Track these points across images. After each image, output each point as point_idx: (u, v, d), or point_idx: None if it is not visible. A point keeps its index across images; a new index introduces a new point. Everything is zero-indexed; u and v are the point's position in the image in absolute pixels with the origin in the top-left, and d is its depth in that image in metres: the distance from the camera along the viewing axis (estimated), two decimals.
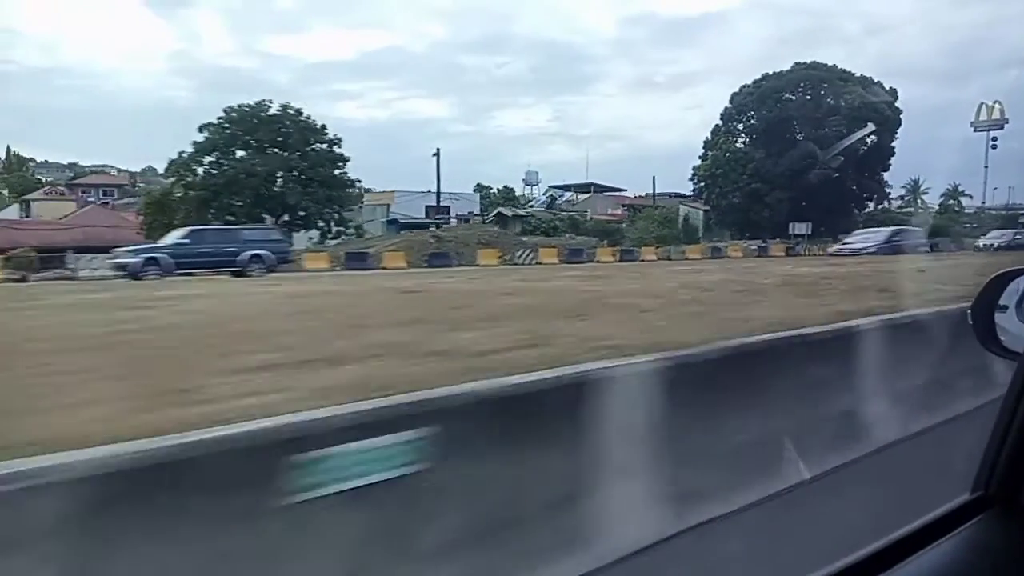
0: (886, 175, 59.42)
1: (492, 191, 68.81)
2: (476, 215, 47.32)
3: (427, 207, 46.32)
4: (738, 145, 53.53)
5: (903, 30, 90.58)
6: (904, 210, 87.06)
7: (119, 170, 70.25)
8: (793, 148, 51.84)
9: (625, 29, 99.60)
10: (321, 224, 31.76)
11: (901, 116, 53.15)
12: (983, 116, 76.73)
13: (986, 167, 78.72)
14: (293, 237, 33.18)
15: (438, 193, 44.10)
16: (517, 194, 66.61)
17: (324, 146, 32.15)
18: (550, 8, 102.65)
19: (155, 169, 61.31)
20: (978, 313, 1.18)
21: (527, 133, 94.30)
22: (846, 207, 56.04)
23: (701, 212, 57.04)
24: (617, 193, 67.99)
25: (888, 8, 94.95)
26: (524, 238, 36.64)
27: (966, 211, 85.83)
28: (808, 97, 50.93)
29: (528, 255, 30.12)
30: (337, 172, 32.43)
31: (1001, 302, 1.19)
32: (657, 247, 43.61)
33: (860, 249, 33.55)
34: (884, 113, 49.63)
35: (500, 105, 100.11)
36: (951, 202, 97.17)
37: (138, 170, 68.23)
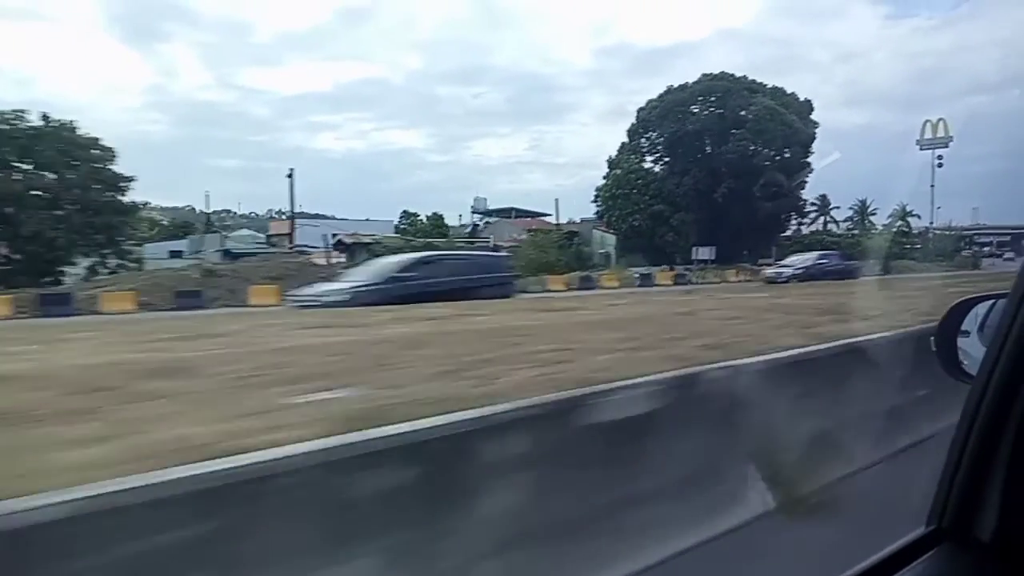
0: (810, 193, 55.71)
1: (420, 219, 64.07)
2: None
3: (334, 235, 40.81)
4: (646, 164, 48.95)
5: (871, 57, 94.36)
6: (852, 231, 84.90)
7: None
8: (698, 165, 47.36)
9: (600, 60, 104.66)
10: (77, 257, 26.31)
11: (816, 131, 49.05)
12: (928, 134, 73.80)
13: (932, 186, 75.63)
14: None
15: (292, 217, 38.83)
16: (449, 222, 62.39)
17: (99, 165, 26.83)
18: (526, 40, 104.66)
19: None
20: (941, 339, 1.19)
21: (504, 162, 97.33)
22: (763, 228, 51.58)
23: (614, 237, 52.40)
24: (534, 218, 63.21)
25: (856, 36, 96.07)
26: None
27: (914, 232, 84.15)
28: (711, 110, 46.57)
29: None
30: (113, 195, 27.19)
31: (964, 328, 1.19)
32: (545, 274, 38.73)
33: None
34: (793, 126, 45.31)
35: (477, 135, 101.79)
36: (899, 223, 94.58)
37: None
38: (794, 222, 55.61)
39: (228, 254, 36.92)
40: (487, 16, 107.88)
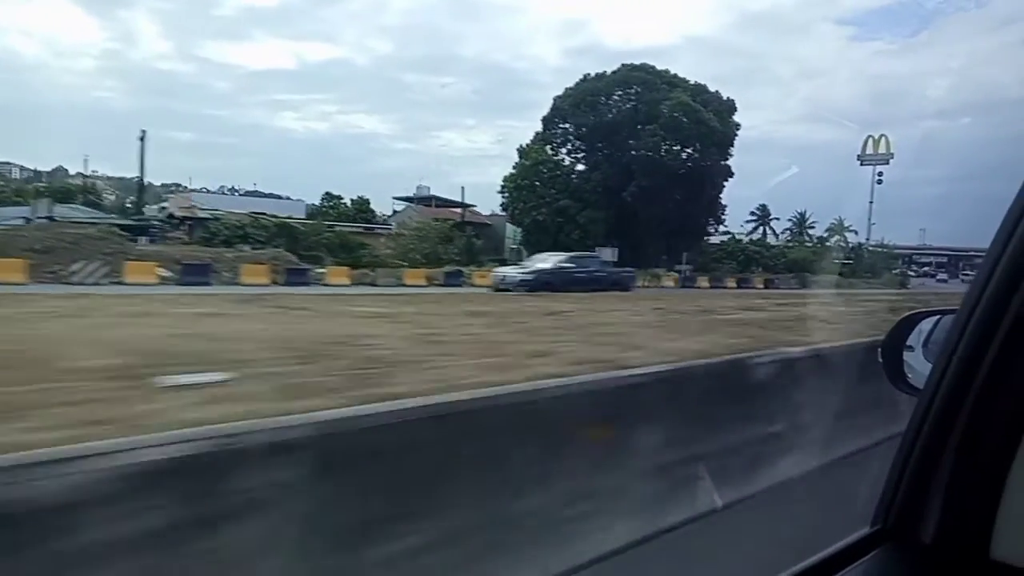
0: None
1: (344, 201, 59.64)
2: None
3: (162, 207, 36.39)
4: (559, 156, 45.50)
5: (833, 76, 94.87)
6: (789, 243, 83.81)
7: (23, 168, 63.70)
8: (609, 160, 44.16)
9: (570, 59, 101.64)
10: None
11: (737, 133, 46.33)
12: (869, 150, 72.54)
13: (871, 202, 74.55)
14: None
15: (141, 181, 34.12)
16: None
17: None
18: (496, 33, 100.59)
19: (66, 170, 59.67)
20: (887, 352, 1.23)
21: (469, 154, 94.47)
22: (680, 232, 48.81)
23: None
24: (449, 207, 59.33)
25: (819, 54, 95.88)
26: (191, 247, 27.11)
27: (850, 247, 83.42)
28: (627, 103, 43.37)
29: (94, 271, 20.39)
30: None
31: (909, 342, 1.24)
32: (431, 267, 34.97)
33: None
34: (709, 124, 42.41)
35: (443, 125, 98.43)
36: (836, 237, 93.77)
37: (48, 170, 63.96)
38: (721, 228, 53.11)
39: (52, 220, 32.20)
40: (459, 5, 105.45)
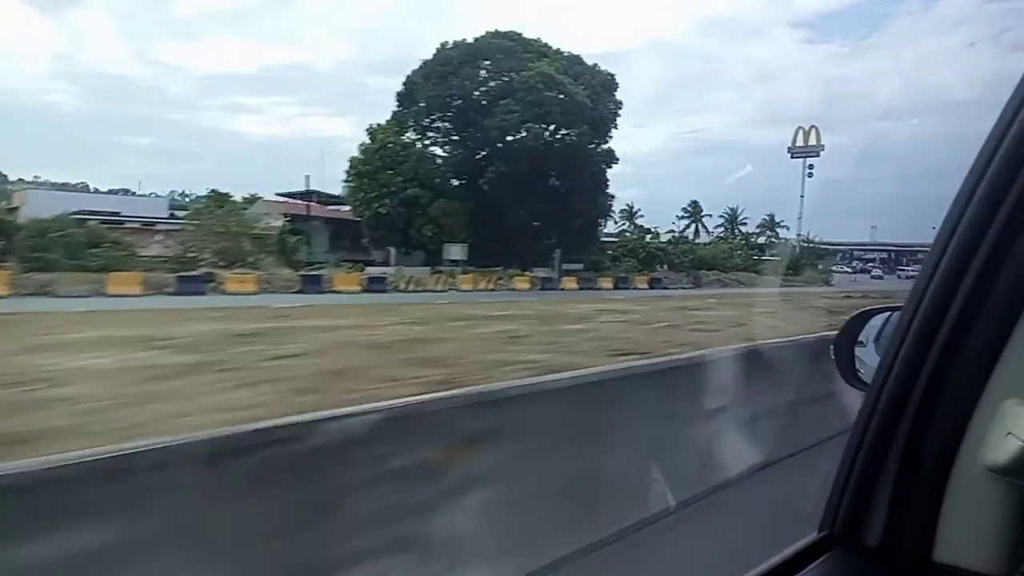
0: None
1: (233, 199, 52.39)
2: None
3: None
4: (413, 139, 39.04)
5: (788, 78, 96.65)
6: (715, 240, 79.29)
7: None
8: (464, 143, 37.96)
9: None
10: None
11: (619, 112, 40.53)
12: (799, 141, 68.12)
13: (801, 196, 70.68)
14: None
15: None
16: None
17: None
18: (456, 36, 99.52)
19: (5, 176, 55.52)
20: (840, 348, 1.24)
21: None
22: (563, 228, 42.94)
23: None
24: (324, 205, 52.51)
25: (774, 57, 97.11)
26: None
27: (780, 242, 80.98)
28: (486, 76, 37.16)
29: None
30: None
31: (860, 338, 1.24)
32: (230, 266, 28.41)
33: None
34: (576, 99, 36.45)
35: None
36: (769, 233, 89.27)
37: None
38: (616, 221, 47.25)
39: None
40: (419, 8, 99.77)
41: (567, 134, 37.00)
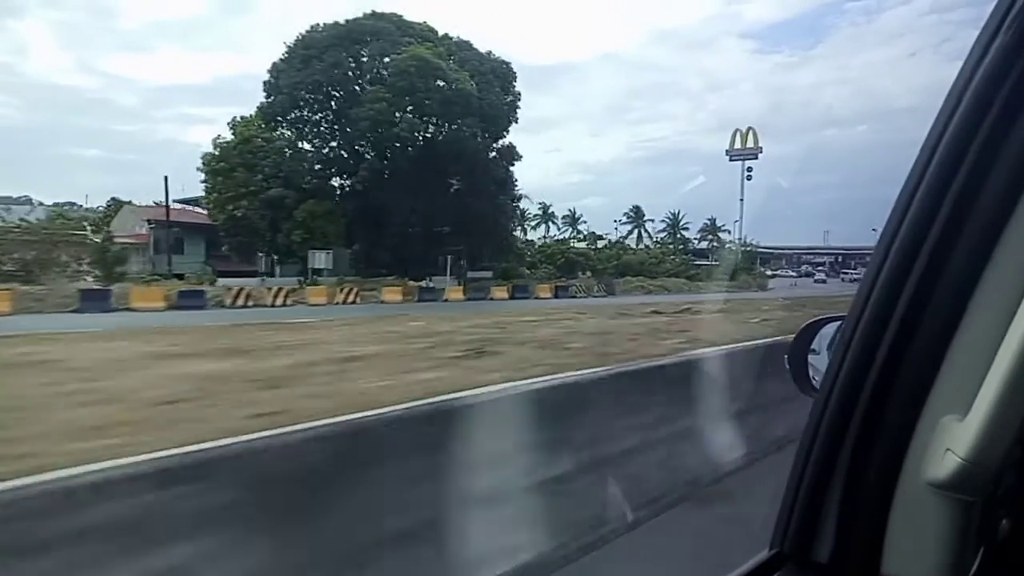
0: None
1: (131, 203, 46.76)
2: None
3: None
4: (278, 133, 34.36)
5: (738, 87, 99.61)
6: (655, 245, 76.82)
7: None
8: (335, 136, 33.50)
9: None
10: None
11: (517, 106, 36.62)
12: (737, 144, 65.71)
13: (741, 200, 68.19)
14: None
15: None
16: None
17: None
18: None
19: None
20: (794, 357, 1.26)
21: None
22: (464, 232, 38.77)
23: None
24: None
25: (725, 67, 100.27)
26: None
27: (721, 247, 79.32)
28: (350, 59, 32.80)
29: None
30: None
31: (813, 346, 1.26)
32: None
33: None
34: (458, 87, 32.34)
35: None
36: (711, 237, 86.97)
37: None
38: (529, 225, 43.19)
39: None
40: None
41: (452, 126, 32.76)
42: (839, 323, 1.15)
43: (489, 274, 41.28)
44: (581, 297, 36.57)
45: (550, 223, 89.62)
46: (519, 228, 74.61)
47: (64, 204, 59.65)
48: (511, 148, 37.99)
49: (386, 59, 31.82)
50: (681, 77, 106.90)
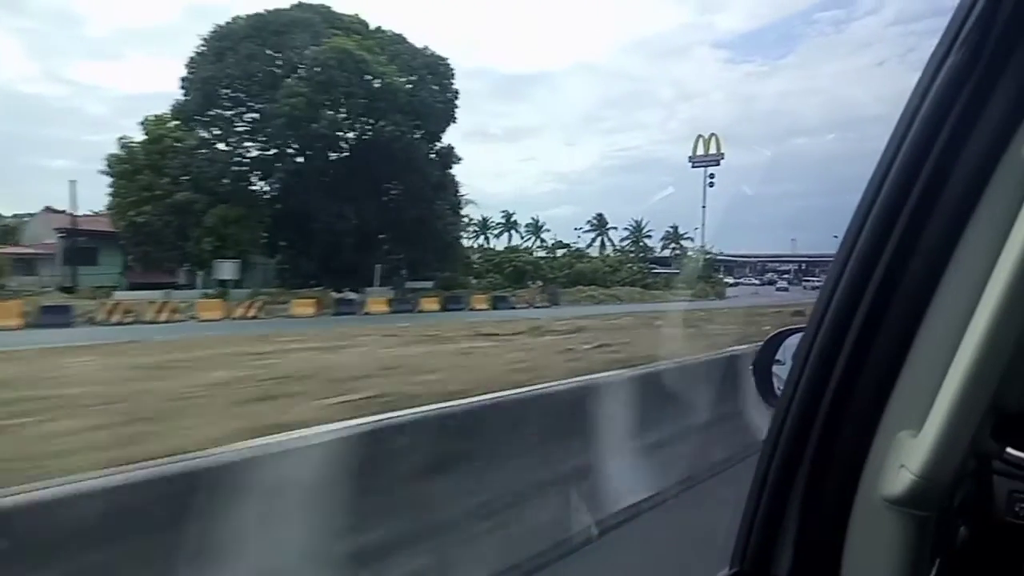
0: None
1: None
2: None
3: None
4: (190, 132, 31.50)
5: (710, 97, 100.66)
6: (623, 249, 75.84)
7: None
8: (252, 134, 30.83)
9: (463, 80, 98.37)
10: None
11: (454, 104, 34.42)
12: (700, 150, 64.65)
13: (703, 207, 67.15)
14: None
15: None
16: None
17: None
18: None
19: None
20: (759, 368, 1.28)
21: None
22: (396, 236, 36.36)
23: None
24: None
25: (697, 77, 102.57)
26: None
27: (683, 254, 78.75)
28: (269, 52, 30.21)
29: None
30: None
31: (778, 357, 1.27)
32: None
33: None
34: (386, 81, 29.98)
35: None
36: (673, 245, 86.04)
37: None
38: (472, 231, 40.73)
39: None
40: None
41: (380, 124, 30.35)
42: (802, 334, 1.11)
43: (430, 284, 38.91)
44: (521, 308, 34.37)
45: (513, 231, 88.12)
46: (481, 235, 72.81)
47: (24, 215, 55.54)
48: (450, 150, 35.77)
49: (302, 50, 29.27)
50: (654, 87, 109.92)
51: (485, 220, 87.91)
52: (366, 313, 28.14)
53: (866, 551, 0.76)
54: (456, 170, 37.01)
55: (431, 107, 32.36)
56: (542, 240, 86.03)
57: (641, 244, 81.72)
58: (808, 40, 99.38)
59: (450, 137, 35.31)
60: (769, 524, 0.83)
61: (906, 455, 0.70)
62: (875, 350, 0.74)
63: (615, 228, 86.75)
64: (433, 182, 34.19)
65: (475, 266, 45.33)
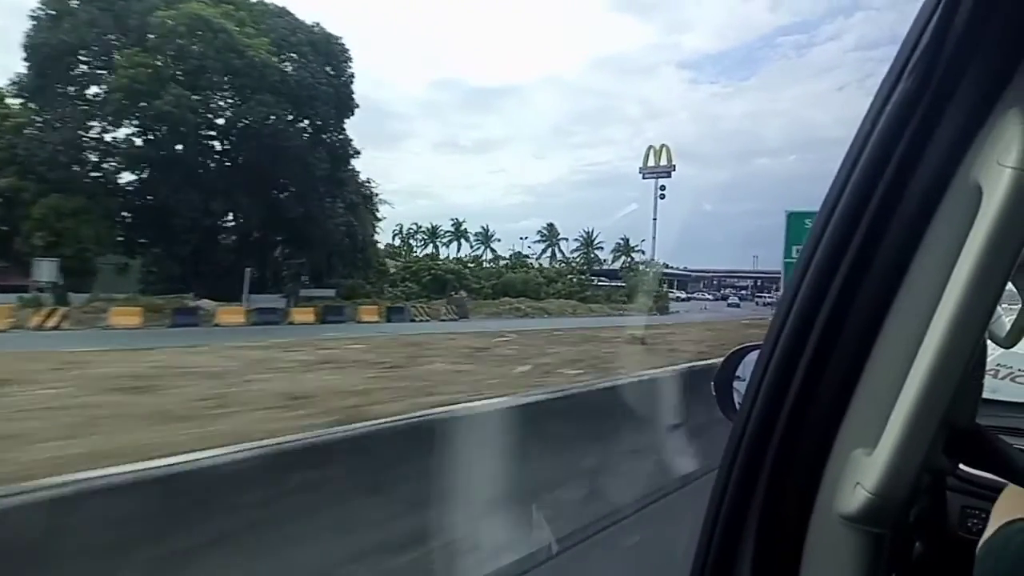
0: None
1: None
2: None
3: None
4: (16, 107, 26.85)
5: (676, 116, 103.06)
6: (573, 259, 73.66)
7: None
8: (94, 114, 26.37)
9: (433, 91, 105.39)
10: None
11: (349, 91, 30.53)
12: (651, 162, 62.08)
13: (654, 219, 64.37)
14: None
15: None
16: None
17: None
18: (357, 61, 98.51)
19: None
20: (719, 384, 1.28)
21: None
22: (287, 238, 32.29)
23: None
24: None
25: (663, 96, 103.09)
26: None
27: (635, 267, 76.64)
28: (113, 17, 25.83)
29: None
30: None
31: (738, 373, 1.27)
32: None
33: None
34: (252, 56, 25.86)
35: None
36: (624, 258, 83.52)
37: None
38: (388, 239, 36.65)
39: None
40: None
41: (245, 107, 26.18)
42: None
43: (332, 292, 34.71)
44: (421, 321, 30.35)
45: (463, 240, 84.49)
46: (430, 244, 68.76)
47: None
48: (346, 141, 31.75)
49: (153, 18, 25.02)
50: (622, 103, 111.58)
51: (434, 228, 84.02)
52: (216, 325, 23.84)
53: (822, 568, 0.76)
54: (359, 165, 33.25)
55: (315, 91, 28.33)
56: (492, 250, 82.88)
57: (592, 256, 79.10)
58: (771, 63, 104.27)
59: (369, 132, 31.57)
60: (727, 540, 0.82)
61: (861, 473, 0.70)
62: (830, 368, 0.74)
63: (566, 239, 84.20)
64: (321, 176, 30.07)
65: (390, 274, 41.23)
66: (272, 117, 27.03)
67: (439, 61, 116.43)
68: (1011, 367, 2.03)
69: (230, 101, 26.87)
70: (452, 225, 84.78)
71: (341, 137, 31.43)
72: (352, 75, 30.67)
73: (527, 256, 74.18)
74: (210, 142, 27.49)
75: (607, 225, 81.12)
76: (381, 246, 47.24)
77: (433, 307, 32.97)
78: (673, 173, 62.20)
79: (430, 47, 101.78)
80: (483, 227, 76.45)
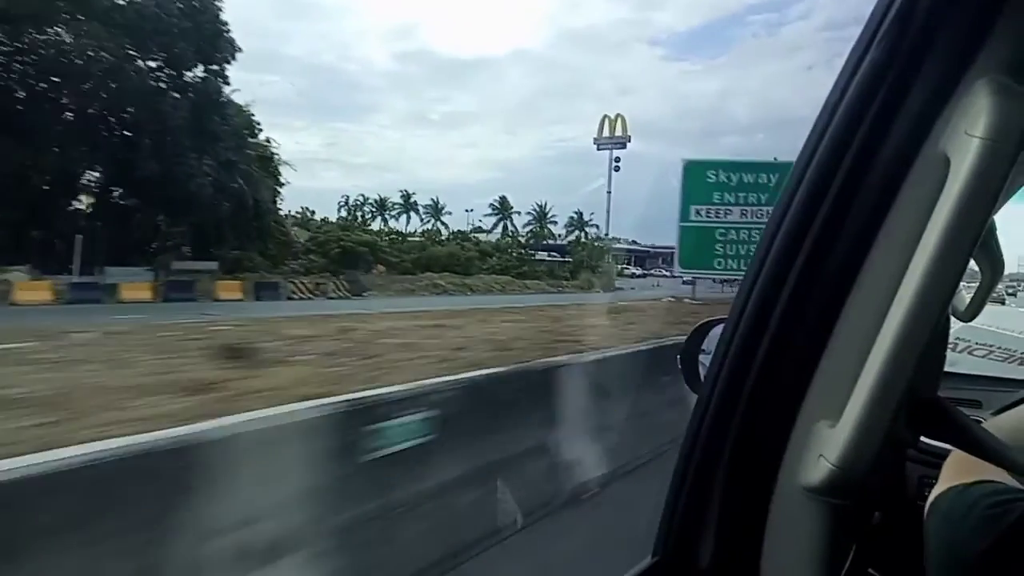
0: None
1: None
2: None
3: None
4: None
5: (645, 93, 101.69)
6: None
7: None
8: None
9: (401, 63, 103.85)
10: None
11: (223, 30, 25.78)
12: (606, 132, 57.95)
13: (608, 192, 60.56)
14: None
15: None
16: None
17: None
18: (323, 33, 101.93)
19: None
20: (685, 358, 1.30)
21: (297, 157, 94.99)
22: (146, 201, 27.70)
23: None
24: None
25: (633, 72, 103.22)
26: None
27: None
28: None
29: None
30: None
31: (704, 347, 1.30)
32: None
33: None
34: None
35: (267, 125, 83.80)
36: (578, 232, 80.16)
37: None
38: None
39: None
40: (282, 3, 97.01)
41: (71, 37, 21.36)
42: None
43: (214, 265, 30.21)
44: (300, 299, 26.20)
45: (412, 213, 79.92)
46: (379, 217, 64.14)
47: None
48: (214, 89, 27.02)
49: None
50: (592, 79, 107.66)
51: (383, 200, 79.21)
52: (12, 304, 19.39)
53: (786, 539, 0.77)
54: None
55: (162, 23, 23.51)
56: (442, 223, 78.65)
57: (546, 230, 75.46)
58: (742, 42, 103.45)
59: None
60: (691, 513, 0.82)
61: (824, 445, 0.70)
62: (795, 340, 0.74)
63: (519, 213, 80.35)
64: (178, 127, 25.38)
65: (295, 246, 36.82)
66: (102, 53, 22.23)
67: (408, 33, 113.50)
68: (969, 340, 2.08)
69: (49, 31, 21.98)
70: (401, 197, 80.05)
71: (208, 82, 26.67)
72: (220, 8, 25.87)
73: (480, 230, 70.46)
74: (27, 80, 22.63)
75: (574, 201, 78.46)
76: (291, 214, 42.79)
77: (317, 283, 28.68)
78: (629, 144, 58.52)
79: (398, 17, 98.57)
80: (433, 199, 72.20)
